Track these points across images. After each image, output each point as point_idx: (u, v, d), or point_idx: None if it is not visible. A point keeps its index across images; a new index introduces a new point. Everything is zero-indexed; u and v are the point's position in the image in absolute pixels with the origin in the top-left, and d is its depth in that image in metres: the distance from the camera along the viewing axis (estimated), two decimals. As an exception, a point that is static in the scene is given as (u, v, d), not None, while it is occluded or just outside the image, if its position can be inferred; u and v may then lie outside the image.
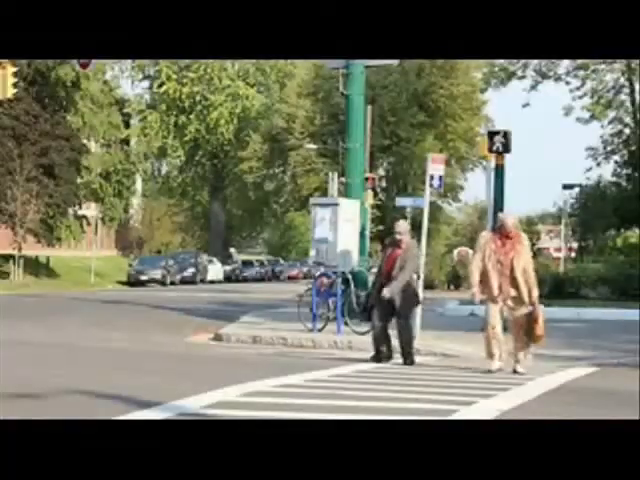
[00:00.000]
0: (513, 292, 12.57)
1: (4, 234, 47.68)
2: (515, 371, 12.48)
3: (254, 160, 61.22)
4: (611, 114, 53.90)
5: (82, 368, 12.31)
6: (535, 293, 12.62)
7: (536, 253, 56.77)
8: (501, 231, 12.89)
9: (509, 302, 12.63)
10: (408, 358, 13.67)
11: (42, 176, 46.27)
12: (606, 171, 54.20)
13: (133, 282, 52.70)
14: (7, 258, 46.78)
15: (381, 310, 13.73)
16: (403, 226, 14.17)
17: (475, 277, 12.71)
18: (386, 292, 13.50)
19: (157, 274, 53.69)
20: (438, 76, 55.78)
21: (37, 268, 50.78)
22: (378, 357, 13.81)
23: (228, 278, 63.56)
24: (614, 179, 52.82)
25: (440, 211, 57.32)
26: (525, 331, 12.62)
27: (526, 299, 12.54)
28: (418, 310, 15.70)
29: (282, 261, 79.82)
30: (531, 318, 12.55)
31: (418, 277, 14.05)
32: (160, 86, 72.33)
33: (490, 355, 12.73)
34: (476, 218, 62.14)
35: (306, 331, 17.88)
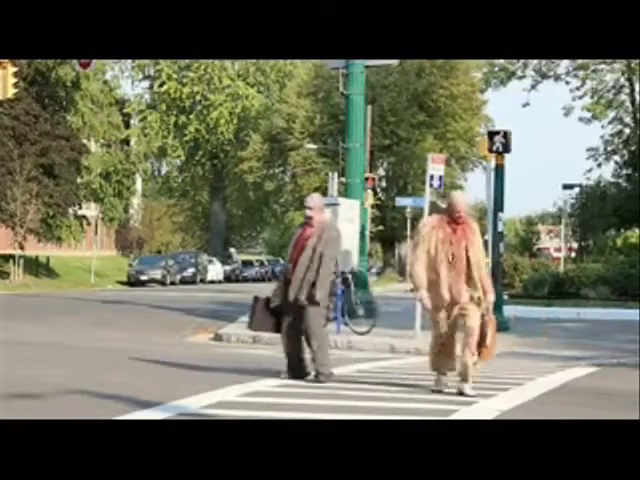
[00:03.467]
0: (467, 294, 9.80)
1: (4, 234, 47.69)
2: (461, 393, 9.87)
3: (254, 160, 61.24)
4: (611, 114, 53.98)
5: (82, 368, 12.31)
6: (491, 297, 9.93)
7: (536, 253, 56.88)
8: (450, 213, 9.94)
9: (461, 307, 9.80)
10: (322, 373, 10.81)
11: (42, 176, 46.28)
12: (606, 171, 54.32)
13: (133, 282, 52.72)
14: (7, 258, 46.79)
15: (291, 314, 10.81)
16: (315, 200, 10.99)
17: (422, 276, 9.83)
18: (319, 293, 10.52)
19: (157, 274, 53.71)
20: (438, 76, 55.80)
21: (37, 268, 50.79)
22: (292, 374, 10.93)
23: (228, 278, 63.57)
24: (614, 179, 52.90)
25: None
26: (478, 340, 9.85)
27: (482, 302, 9.82)
28: (417, 310, 15.69)
29: (282, 261, 79.86)
30: (482, 326, 9.82)
31: (336, 274, 11.08)
32: (161, 86, 72.36)
33: (439, 373, 10.20)
34: (476, 218, 62.17)
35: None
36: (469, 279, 9.75)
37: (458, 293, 9.72)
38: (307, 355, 10.95)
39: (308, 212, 10.79)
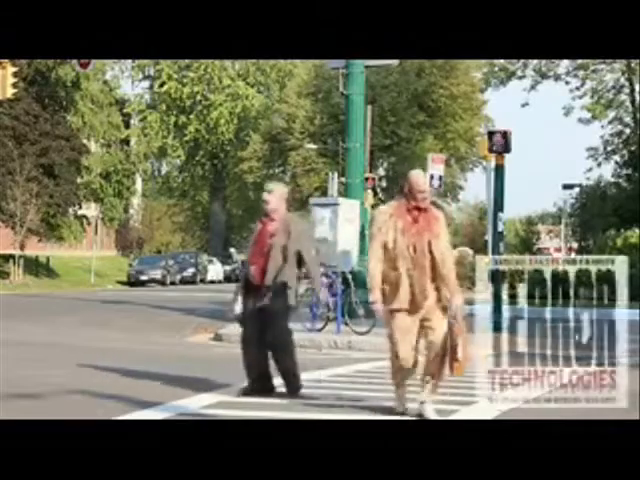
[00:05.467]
0: (432, 296, 8.34)
1: (4, 234, 47.69)
2: (421, 415, 8.31)
3: (254, 160, 61.21)
4: (611, 114, 53.98)
5: (82, 368, 12.30)
6: (458, 299, 8.43)
7: (536, 253, 56.79)
8: (410, 197, 8.38)
9: (425, 314, 8.33)
10: (293, 384, 9.67)
11: (42, 176, 46.27)
12: (606, 171, 54.31)
13: (133, 282, 52.71)
14: (7, 258, 46.78)
15: (256, 322, 9.41)
16: (275, 190, 9.50)
17: (376, 275, 8.28)
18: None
19: (157, 274, 53.71)
20: (438, 76, 55.79)
21: (37, 268, 50.78)
22: (253, 388, 9.62)
23: (228, 278, 63.55)
24: (614, 179, 52.90)
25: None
26: (441, 356, 8.38)
27: (447, 306, 8.41)
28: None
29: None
30: (451, 336, 8.39)
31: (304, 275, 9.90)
32: (161, 86, 72.37)
33: (399, 393, 8.49)
34: (476, 218, 62.24)
35: (306, 331, 17.88)
36: (434, 276, 8.29)
37: (422, 293, 8.27)
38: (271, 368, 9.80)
39: (266, 196, 9.34)
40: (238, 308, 9.59)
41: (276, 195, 9.35)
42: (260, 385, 9.60)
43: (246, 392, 9.55)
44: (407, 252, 8.24)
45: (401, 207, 8.40)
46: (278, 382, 9.76)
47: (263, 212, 9.46)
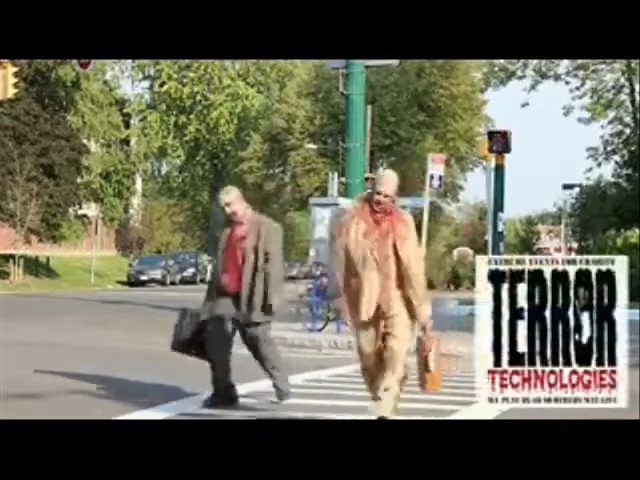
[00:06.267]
0: (396, 305, 7.46)
1: (5, 234, 47.70)
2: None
3: (254, 160, 61.26)
4: (611, 114, 54.01)
5: (82, 368, 12.31)
6: (427, 309, 7.61)
7: (536, 253, 56.83)
8: (374, 197, 7.50)
9: (388, 322, 7.45)
10: (282, 390, 9.30)
11: (42, 176, 46.28)
12: (606, 171, 54.31)
13: (133, 282, 52.70)
14: (7, 258, 46.79)
15: (225, 331, 9.18)
16: (231, 194, 9.00)
17: (339, 280, 7.54)
18: (276, 300, 8.78)
19: (157, 274, 53.71)
20: (438, 76, 55.83)
21: (37, 268, 50.78)
22: (219, 400, 9.22)
23: (228, 278, 63.56)
24: (614, 179, 52.92)
25: (439, 211, 57.34)
26: (399, 361, 7.50)
27: (411, 315, 7.52)
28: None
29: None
30: (421, 348, 7.65)
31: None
32: (161, 86, 72.40)
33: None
34: (476, 218, 62.25)
35: (306, 331, 17.89)
36: (401, 283, 7.44)
37: (387, 302, 7.41)
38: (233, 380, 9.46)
39: (228, 210, 8.88)
40: (206, 314, 9.18)
41: (235, 202, 8.91)
42: (224, 395, 9.29)
43: (210, 403, 9.16)
44: (371, 257, 7.39)
45: (364, 208, 7.54)
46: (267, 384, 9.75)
47: (231, 221, 9.01)
